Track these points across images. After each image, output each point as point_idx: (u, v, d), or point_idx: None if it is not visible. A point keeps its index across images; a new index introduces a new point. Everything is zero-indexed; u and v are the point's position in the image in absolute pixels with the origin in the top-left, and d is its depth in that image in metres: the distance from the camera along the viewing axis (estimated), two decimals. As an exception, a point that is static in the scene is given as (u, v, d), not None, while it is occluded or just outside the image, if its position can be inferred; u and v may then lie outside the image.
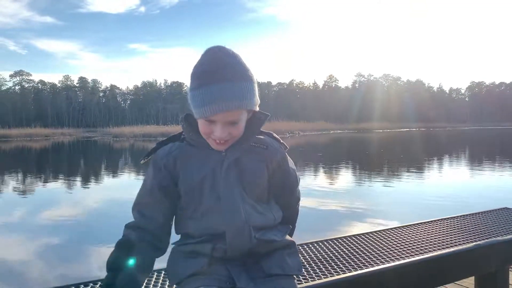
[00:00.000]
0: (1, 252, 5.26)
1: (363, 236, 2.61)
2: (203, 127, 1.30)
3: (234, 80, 1.24)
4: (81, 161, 22.05)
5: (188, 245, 1.39)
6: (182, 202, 1.41)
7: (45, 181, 12.72)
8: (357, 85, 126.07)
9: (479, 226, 2.81)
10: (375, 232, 2.71)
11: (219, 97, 1.21)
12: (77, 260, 4.90)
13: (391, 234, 2.66)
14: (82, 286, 1.85)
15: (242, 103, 1.25)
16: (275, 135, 1.52)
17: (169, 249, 1.44)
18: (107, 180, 12.82)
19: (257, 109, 1.37)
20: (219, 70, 1.23)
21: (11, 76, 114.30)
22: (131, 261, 1.26)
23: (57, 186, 11.59)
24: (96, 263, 4.71)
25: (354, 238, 2.57)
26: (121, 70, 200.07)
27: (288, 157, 1.54)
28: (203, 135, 1.33)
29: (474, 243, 2.39)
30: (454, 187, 9.81)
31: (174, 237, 1.47)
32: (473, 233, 2.66)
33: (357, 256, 2.24)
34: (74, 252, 5.20)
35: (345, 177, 12.26)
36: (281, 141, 1.51)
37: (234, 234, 1.34)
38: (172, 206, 1.41)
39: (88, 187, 11.31)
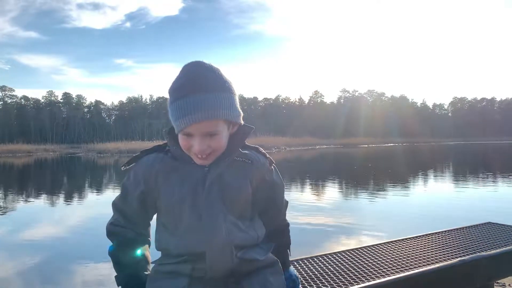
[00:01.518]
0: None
1: (348, 253, 2.60)
2: (183, 141, 1.29)
3: (209, 91, 1.23)
4: (64, 177, 21.70)
5: (168, 265, 1.36)
6: (162, 218, 1.40)
7: (26, 198, 12.46)
8: (342, 100, 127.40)
9: (463, 241, 2.82)
10: (360, 248, 2.70)
11: (192, 108, 1.21)
12: (58, 278, 4.77)
13: (376, 250, 2.65)
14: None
15: (217, 112, 1.24)
16: (261, 149, 1.50)
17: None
18: (91, 197, 12.62)
19: (241, 122, 1.37)
20: (195, 82, 1.23)
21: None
22: (142, 274, 1.41)
23: (38, 203, 11.35)
24: (79, 281, 4.60)
25: (339, 255, 2.56)
26: (106, 85, 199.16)
27: (275, 170, 1.53)
28: (185, 150, 1.31)
29: (458, 259, 2.39)
30: (438, 202, 9.87)
31: (155, 253, 1.45)
32: (458, 248, 2.66)
33: (342, 273, 2.22)
34: (55, 271, 5.08)
35: (332, 192, 12.25)
36: (267, 155, 1.50)
37: (215, 254, 1.30)
38: (151, 214, 1.45)
39: (71, 204, 11.11)
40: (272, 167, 1.52)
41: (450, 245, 2.74)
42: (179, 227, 1.33)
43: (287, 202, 1.63)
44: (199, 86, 1.23)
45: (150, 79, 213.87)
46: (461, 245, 2.74)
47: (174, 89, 1.27)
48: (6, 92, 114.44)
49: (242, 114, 1.38)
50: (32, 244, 6.47)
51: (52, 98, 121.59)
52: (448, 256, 2.49)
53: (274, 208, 1.56)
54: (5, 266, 5.36)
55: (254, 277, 1.38)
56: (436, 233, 3.06)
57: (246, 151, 1.44)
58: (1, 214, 9.54)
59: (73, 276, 4.88)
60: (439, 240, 2.86)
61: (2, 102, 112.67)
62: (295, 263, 2.41)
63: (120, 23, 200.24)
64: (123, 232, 1.43)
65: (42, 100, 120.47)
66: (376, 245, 2.77)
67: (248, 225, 1.41)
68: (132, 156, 1.44)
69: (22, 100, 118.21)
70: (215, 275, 1.32)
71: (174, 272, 1.34)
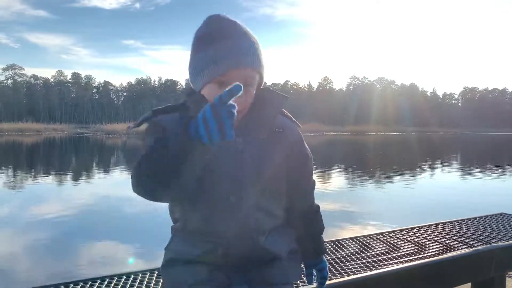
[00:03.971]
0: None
1: (361, 239, 2.58)
2: (213, 91, 1.12)
3: (245, 37, 1.13)
4: (73, 157, 21.87)
5: (184, 249, 1.25)
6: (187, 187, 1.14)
7: (36, 177, 12.58)
8: (351, 87, 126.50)
9: (477, 231, 2.79)
10: (373, 235, 2.68)
11: (234, 51, 1.09)
12: (68, 258, 4.82)
13: (390, 237, 2.63)
14: (72, 285, 1.79)
15: (257, 61, 1.14)
16: (286, 112, 1.32)
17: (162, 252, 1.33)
18: (99, 177, 12.71)
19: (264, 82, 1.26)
20: (227, 28, 1.13)
21: (3, 69, 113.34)
22: None
23: (48, 181, 11.45)
24: (86, 261, 4.64)
25: (351, 241, 2.54)
26: (115, 66, 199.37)
27: (303, 137, 1.34)
28: None
29: (473, 249, 2.36)
30: (451, 191, 9.82)
31: (165, 234, 1.37)
32: (471, 238, 2.63)
33: (355, 259, 2.20)
34: (65, 250, 5.12)
35: (345, 180, 12.24)
36: (293, 118, 1.33)
37: (238, 237, 1.19)
38: None
39: (80, 183, 11.20)
40: (301, 133, 1.33)
41: (463, 234, 2.71)
42: (202, 199, 1.17)
43: (314, 182, 1.43)
44: (234, 31, 1.13)
45: (159, 61, 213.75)
46: (474, 235, 2.71)
47: (203, 37, 1.14)
48: (16, 71, 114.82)
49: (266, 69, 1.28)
50: (39, 221, 6.53)
51: (62, 78, 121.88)
52: (461, 245, 2.46)
53: (303, 186, 1.37)
54: (14, 242, 5.42)
55: (276, 265, 1.26)
56: (449, 222, 3.02)
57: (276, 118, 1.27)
58: (14, 192, 9.64)
59: (79, 256, 4.92)
60: (452, 229, 2.83)
61: (12, 81, 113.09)
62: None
63: (129, 4, 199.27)
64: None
65: (52, 80, 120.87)
66: (389, 232, 2.75)
67: (277, 206, 1.28)
68: (142, 117, 1.20)
69: (32, 79, 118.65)
70: (235, 261, 1.22)
71: (191, 260, 1.23)
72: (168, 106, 1.23)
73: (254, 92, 1.19)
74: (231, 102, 0.88)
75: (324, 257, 1.47)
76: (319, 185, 10.52)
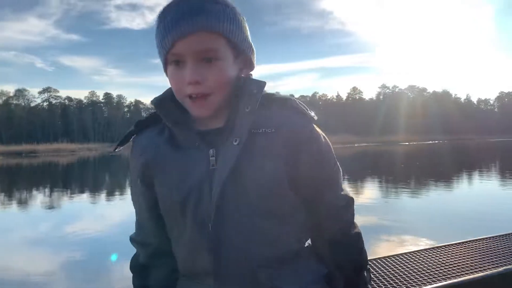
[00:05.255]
0: (28, 266, 5.35)
1: (393, 258, 2.57)
2: (173, 76, 0.94)
3: (205, 1, 0.90)
4: (106, 175, 22.40)
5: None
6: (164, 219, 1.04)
7: (71, 196, 12.95)
8: (381, 96, 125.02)
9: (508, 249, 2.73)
10: (404, 254, 2.66)
11: (179, 15, 0.88)
12: (101, 274, 4.93)
13: (420, 256, 2.61)
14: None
15: (210, 21, 0.88)
16: (293, 101, 0.98)
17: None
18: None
19: (254, 62, 1.02)
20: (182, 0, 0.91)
21: (39, 93, 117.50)
22: None
23: (84, 200, 11.77)
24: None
25: (384, 261, 2.53)
26: (144, 85, 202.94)
27: (319, 134, 1.00)
28: (177, 94, 0.95)
29: (504, 267, 2.31)
30: (487, 204, 9.49)
31: None
32: (504, 255, 2.58)
33: (387, 279, 2.19)
34: (99, 266, 5.25)
35: (381, 192, 12.05)
36: (305, 110, 0.98)
37: (233, 282, 0.94)
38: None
39: (114, 202, 11.44)
40: (313, 130, 0.99)
41: (495, 252, 2.66)
42: (184, 234, 0.98)
43: (348, 196, 1.04)
44: (189, 0, 0.90)
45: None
46: (506, 253, 2.65)
47: (161, 10, 0.94)
48: (51, 93, 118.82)
49: (255, 51, 1.02)
50: (75, 239, 6.71)
51: (94, 98, 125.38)
52: (493, 263, 2.42)
53: (327, 200, 1.01)
54: (51, 259, 5.59)
55: None
56: (480, 239, 2.97)
57: (265, 111, 0.95)
58: (50, 211, 9.95)
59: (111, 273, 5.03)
60: (484, 246, 2.78)
61: (47, 103, 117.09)
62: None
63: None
64: (136, 253, 1.12)
65: (85, 100, 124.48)
66: (419, 251, 2.73)
67: (285, 229, 0.97)
68: (124, 135, 1.06)
69: (66, 101, 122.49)
70: None
71: None
72: (152, 116, 1.05)
73: (229, 67, 0.93)
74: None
75: None
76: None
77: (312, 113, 0.99)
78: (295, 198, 0.98)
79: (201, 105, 0.92)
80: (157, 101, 1.00)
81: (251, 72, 1.03)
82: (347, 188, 1.07)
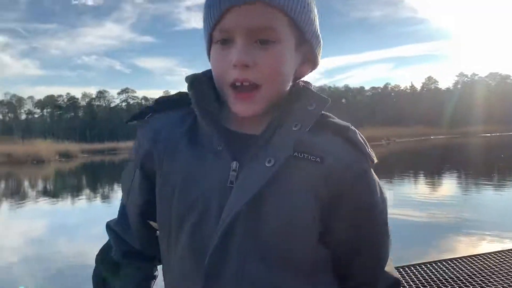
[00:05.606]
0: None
1: (460, 261, 2.43)
2: (215, 56, 0.75)
3: None
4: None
5: None
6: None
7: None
8: (459, 85, 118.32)
9: None
10: (473, 256, 2.51)
11: None
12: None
13: (489, 259, 2.44)
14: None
15: None
16: (355, 132, 0.78)
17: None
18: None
19: (319, 58, 0.82)
20: None
21: (118, 93, 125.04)
22: None
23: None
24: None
25: (449, 263, 2.40)
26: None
27: (375, 181, 0.78)
28: (218, 80, 0.76)
29: None
30: None
31: None
32: None
33: (452, 282, 2.08)
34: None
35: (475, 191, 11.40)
36: (365, 147, 0.77)
37: None
38: None
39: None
40: (368, 171, 0.77)
41: None
42: (176, 250, 0.78)
43: (395, 280, 0.82)
44: None
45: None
46: None
47: None
48: (129, 94, 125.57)
49: (322, 44, 0.81)
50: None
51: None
52: None
53: (362, 260, 0.80)
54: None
55: None
56: None
57: (315, 135, 0.74)
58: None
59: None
60: None
61: (125, 103, 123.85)
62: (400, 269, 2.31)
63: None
64: (108, 244, 0.93)
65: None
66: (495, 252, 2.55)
67: (299, 280, 0.74)
68: (141, 110, 0.88)
69: (143, 101, 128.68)
70: None
71: None
72: (176, 97, 0.86)
73: (287, 54, 0.74)
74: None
75: None
76: (438, 197, 9.83)
77: (373, 153, 0.78)
78: (323, 253, 0.77)
79: (247, 99, 0.72)
80: (193, 78, 0.80)
81: (313, 70, 0.84)
82: (392, 265, 0.83)
